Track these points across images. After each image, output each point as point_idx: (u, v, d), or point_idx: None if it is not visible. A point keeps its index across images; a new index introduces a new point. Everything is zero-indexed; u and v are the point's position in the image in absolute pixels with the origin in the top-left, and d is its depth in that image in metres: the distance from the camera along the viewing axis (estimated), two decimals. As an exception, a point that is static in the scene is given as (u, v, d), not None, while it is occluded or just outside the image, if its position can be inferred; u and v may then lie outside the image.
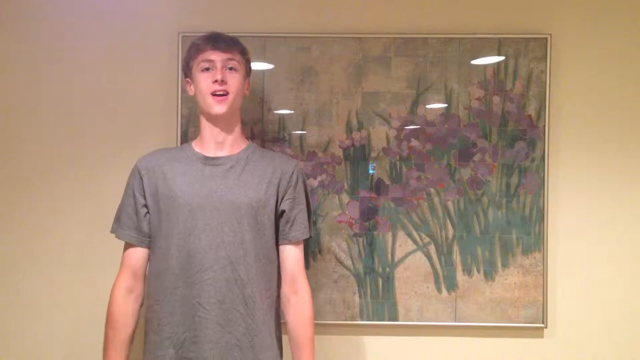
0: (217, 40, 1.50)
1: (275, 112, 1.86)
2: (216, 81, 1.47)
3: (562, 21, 1.87)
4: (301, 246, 1.58)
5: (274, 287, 1.55)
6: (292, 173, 1.55)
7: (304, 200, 1.58)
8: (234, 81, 1.49)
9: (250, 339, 1.46)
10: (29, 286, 1.87)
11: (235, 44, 1.52)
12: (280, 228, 1.55)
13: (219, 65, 1.48)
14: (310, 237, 1.60)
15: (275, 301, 1.55)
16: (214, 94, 1.48)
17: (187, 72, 1.55)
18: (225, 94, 1.48)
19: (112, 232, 1.55)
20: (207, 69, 1.49)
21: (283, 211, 1.54)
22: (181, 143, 1.82)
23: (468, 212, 1.86)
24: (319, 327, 1.84)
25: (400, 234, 1.86)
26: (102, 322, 1.51)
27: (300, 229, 1.55)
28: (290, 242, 1.55)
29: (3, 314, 1.87)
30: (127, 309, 1.51)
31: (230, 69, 1.50)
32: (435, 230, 1.86)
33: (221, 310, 1.45)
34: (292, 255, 1.55)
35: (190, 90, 1.55)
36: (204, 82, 1.49)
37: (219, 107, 1.48)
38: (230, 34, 1.55)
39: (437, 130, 1.86)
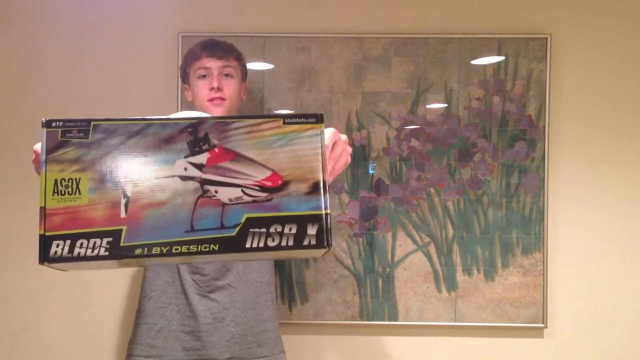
0: (212, 48, 1.53)
1: (275, 112, 1.86)
2: (212, 88, 1.50)
3: (562, 21, 1.87)
4: None
5: (272, 281, 1.62)
6: None
7: None
8: (230, 87, 1.53)
9: (246, 313, 1.53)
10: (26, 286, 1.87)
11: (230, 51, 1.55)
12: None
13: (215, 73, 1.51)
14: None
15: (273, 291, 1.62)
16: (210, 100, 1.51)
17: (185, 78, 1.59)
18: (222, 100, 1.51)
19: None
20: (204, 76, 1.52)
21: None
22: (181, 143, 1.82)
23: (468, 212, 1.86)
24: (319, 327, 1.85)
25: (400, 234, 1.86)
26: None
27: None
28: None
29: (4, 312, 1.88)
30: None
31: (226, 75, 1.53)
32: (435, 230, 1.86)
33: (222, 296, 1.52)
34: None
35: (189, 96, 1.59)
36: (201, 90, 1.52)
37: (216, 112, 1.50)
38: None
39: (437, 130, 1.86)
